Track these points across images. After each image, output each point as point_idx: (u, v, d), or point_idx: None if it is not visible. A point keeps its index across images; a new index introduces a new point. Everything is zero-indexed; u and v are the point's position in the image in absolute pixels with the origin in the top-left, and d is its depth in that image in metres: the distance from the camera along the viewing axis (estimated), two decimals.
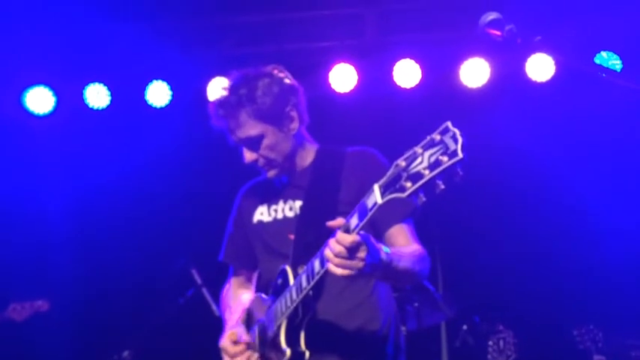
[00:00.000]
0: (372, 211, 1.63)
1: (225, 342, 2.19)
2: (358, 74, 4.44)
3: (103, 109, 4.61)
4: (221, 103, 2.21)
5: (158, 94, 4.61)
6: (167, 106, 4.63)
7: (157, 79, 4.61)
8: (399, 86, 4.43)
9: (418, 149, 1.53)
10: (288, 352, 2.01)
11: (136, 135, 4.68)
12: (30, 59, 4.49)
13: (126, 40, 4.38)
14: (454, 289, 4.05)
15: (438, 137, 1.49)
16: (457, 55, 4.42)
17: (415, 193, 1.52)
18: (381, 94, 4.47)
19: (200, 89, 4.61)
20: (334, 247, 1.69)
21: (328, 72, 4.48)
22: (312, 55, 4.62)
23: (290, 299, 2.01)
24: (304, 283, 1.93)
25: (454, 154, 1.44)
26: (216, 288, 4.08)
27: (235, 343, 2.17)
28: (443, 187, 1.48)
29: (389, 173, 1.59)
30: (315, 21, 4.50)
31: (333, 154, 2.30)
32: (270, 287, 2.20)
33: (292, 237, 2.20)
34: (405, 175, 1.54)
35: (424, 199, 1.53)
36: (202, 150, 4.75)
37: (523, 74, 4.37)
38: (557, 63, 4.25)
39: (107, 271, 4.68)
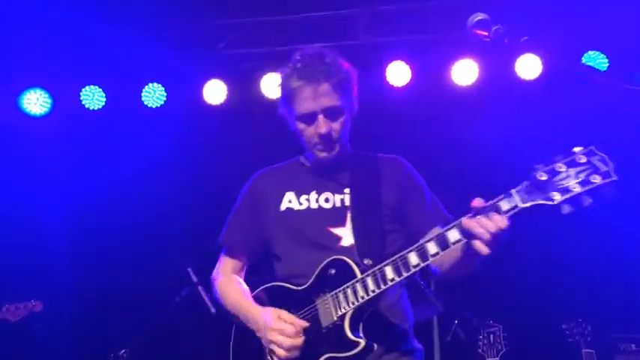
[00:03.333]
0: (514, 210, 1.77)
1: (278, 323, 2.06)
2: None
3: (99, 110, 4.67)
4: (307, 69, 2.16)
5: (153, 95, 4.67)
6: (162, 107, 4.68)
7: (152, 81, 4.67)
8: (392, 86, 4.50)
9: (560, 166, 1.72)
10: (363, 342, 1.96)
11: (131, 136, 4.73)
12: (26, 62, 4.53)
13: (121, 43, 4.43)
14: (445, 285, 4.11)
15: (583, 159, 1.71)
16: (447, 56, 4.50)
17: (563, 203, 1.70)
18: (373, 94, 4.53)
19: (195, 91, 4.67)
20: (488, 225, 1.76)
21: None
22: None
23: (364, 290, 1.97)
24: (391, 275, 1.93)
25: (607, 174, 1.68)
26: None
27: (292, 324, 2.05)
28: (591, 201, 1.68)
29: (526, 183, 1.76)
30: (307, 23, 4.55)
31: (367, 156, 2.33)
32: (309, 277, 2.10)
33: (331, 229, 2.16)
34: (550, 186, 1.72)
35: (570, 210, 1.70)
36: (197, 150, 4.82)
37: (512, 73, 4.44)
38: (544, 62, 4.34)
39: (103, 270, 4.71)
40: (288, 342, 2.03)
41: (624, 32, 4.32)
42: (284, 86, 2.24)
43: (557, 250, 4.51)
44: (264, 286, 2.26)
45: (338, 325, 2.02)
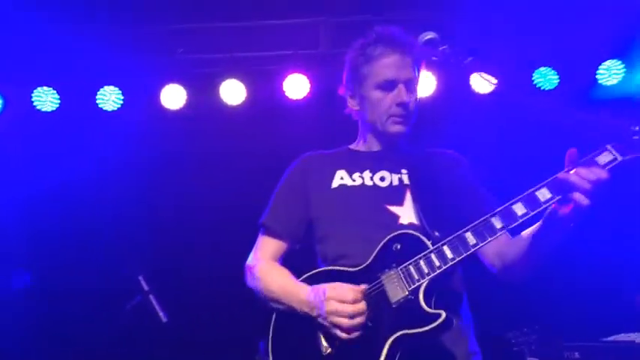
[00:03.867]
0: (614, 163, 1.75)
1: (336, 291, 1.88)
2: (311, 83, 4.53)
3: (52, 113, 4.56)
4: (393, 38, 2.13)
5: (109, 98, 4.59)
6: (118, 110, 4.60)
7: (108, 83, 4.58)
8: None
9: None
10: (444, 313, 1.80)
11: (86, 139, 4.63)
12: None
13: (77, 44, 4.33)
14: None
15: None
16: None
17: None
18: (332, 102, 4.56)
19: (153, 95, 4.61)
20: (589, 174, 1.72)
21: (282, 81, 4.55)
22: (265, 64, 4.68)
23: (441, 258, 1.84)
24: (474, 241, 1.82)
25: None
26: (164, 295, 4.10)
27: (352, 290, 1.87)
28: None
29: (621, 138, 1.76)
30: (269, 30, 4.56)
31: (422, 148, 2.26)
32: (367, 257, 1.95)
33: (389, 207, 2.05)
34: None
35: None
36: (154, 155, 4.75)
37: (467, 87, 4.54)
38: (498, 77, 4.46)
39: (52, 277, 4.59)
40: (350, 308, 1.85)
41: (574, 49, 4.48)
42: (360, 54, 2.16)
43: None
44: (312, 273, 2.07)
45: (410, 300, 1.85)
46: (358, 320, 1.85)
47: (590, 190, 1.72)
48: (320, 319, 1.91)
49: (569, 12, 4.27)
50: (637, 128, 1.74)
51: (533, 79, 4.55)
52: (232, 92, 4.59)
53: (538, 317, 4.26)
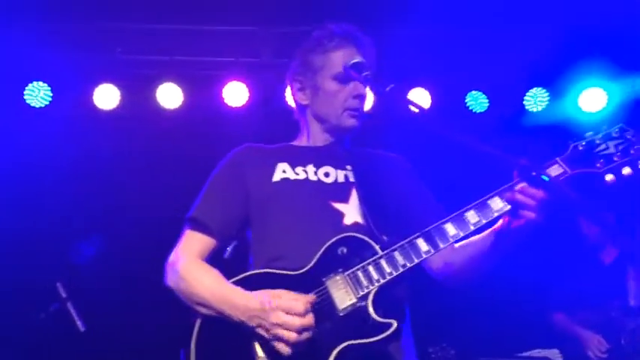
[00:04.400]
0: (562, 177, 1.78)
1: (281, 301, 1.73)
2: (250, 92, 4.52)
3: None
4: (350, 32, 2.07)
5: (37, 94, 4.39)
6: (47, 107, 4.41)
7: (37, 79, 4.39)
8: (290, 105, 4.56)
9: (596, 139, 1.79)
10: (395, 323, 1.73)
11: (11, 135, 4.40)
12: None
13: (6, 38, 4.13)
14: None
15: (617, 134, 1.79)
16: None
17: (607, 172, 1.75)
18: (271, 111, 4.56)
19: (85, 94, 4.45)
20: (536, 192, 1.71)
21: (221, 87, 4.52)
22: (205, 69, 4.63)
23: (392, 265, 1.77)
24: (426, 247, 1.77)
25: None
26: (82, 303, 3.93)
27: (298, 300, 1.73)
28: (631, 172, 1.75)
29: (568, 152, 1.80)
30: (211, 35, 4.52)
31: (367, 149, 2.18)
32: (309, 259, 1.82)
33: (334, 204, 1.94)
34: (592, 157, 1.78)
35: (612, 179, 1.76)
36: (81, 155, 4.57)
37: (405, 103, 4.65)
38: (432, 96, 4.62)
39: None
40: (298, 321, 1.70)
41: (504, 75, 4.71)
42: (316, 45, 2.08)
43: (420, 273, 4.72)
44: (244, 275, 1.88)
45: (359, 308, 1.75)
46: (306, 335, 1.72)
47: (536, 206, 1.73)
48: (260, 330, 1.75)
49: (500, 38, 4.50)
50: (581, 143, 1.81)
51: (466, 101, 4.74)
52: (169, 96, 4.51)
53: (457, 333, 4.39)
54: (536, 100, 4.76)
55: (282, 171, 2.03)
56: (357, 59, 1.99)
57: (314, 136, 2.14)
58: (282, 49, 4.49)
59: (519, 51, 4.53)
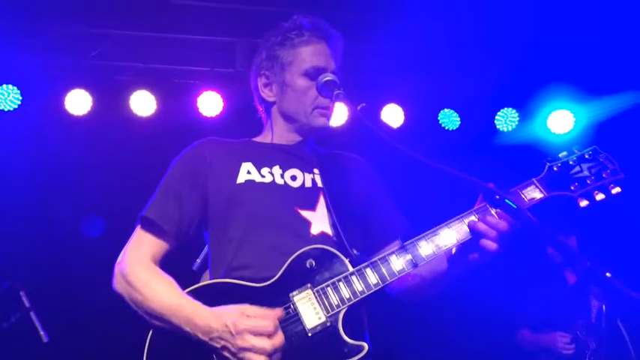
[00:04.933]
0: (537, 201, 1.77)
1: (248, 321, 1.59)
2: (225, 102, 4.51)
3: None
4: (321, 27, 1.98)
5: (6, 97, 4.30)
6: (16, 110, 4.32)
7: (6, 82, 4.30)
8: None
9: (570, 161, 1.80)
10: (366, 346, 1.64)
11: None
12: None
13: None
14: None
15: (588, 155, 1.80)
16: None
17: (581, 196, 1.76)
18: (246, 121, 4.55)
19: (56, 99, 4.38)
20: (500, 224, 1.68)
21: (196, 97, 4.49)
22: (180, 78, 4.61)
23: (363, 283, 1.68)
24: (400, 266, 1.69)
25: (615, 172, 1.78)
26: (46, 312, 3.82)
27: (266, 318, 1.60)
28: (603, 197, 1.76)
29: (544, 173, 1.80)
30: (186, 44, 4.50)
31: (329, 150, 2.09)
32: (273, 270, 1.70)
33: (300, 211, 1.83)
34: (567, 179, 1.78)
35: (586, 204, 1.76)
36: (50, 161, 4.47)
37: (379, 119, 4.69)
38: (406, 113, 4.68)
39: None
40: (268, 344, 1.57)
41: (477, 94, 4.80)
42: (283, 39, 1.95)
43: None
44: (202, 284, 1.74)
45: (329, 328, 1.64)
46: (277, 357, 1.60)
47: (497, 237, 1.68)
48: (225, 352, 1.60)
49: (473, 59, 4.59)
50: (555, 162, 1.82)
51: (438, 118, 4.82)
52: (143, 103, 4.46)
53: (420, 353, 4.38)
54: (506, 119, 4.87)
55: (247, 172, 1.87)
56: (329, 77, 1.88)
57: (279, 134, 2.00)
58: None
59: (491, 72, 4.63)
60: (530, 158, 4.75)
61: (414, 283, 1.88)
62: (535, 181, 1.80)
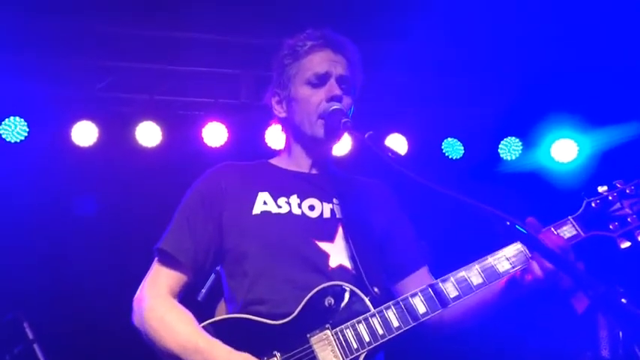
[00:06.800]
0: (576, 240, 1.68)
1: None
2: (229, 132, 4.54)
3: None
4: (326, 35, 1.92)
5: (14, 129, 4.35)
6: (23, 142, 4.35)
7: (13, 114, 4.35)
8: (270, 147, 4.59)
9: (610, 196, 1.68)
10: None
11: None
12: None
13: None
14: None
15: (630, 190, 1.67)
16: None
17: (621, 236, 1.64)
18: (250, 152, 4.57)
19: (63, 130, 4.42)
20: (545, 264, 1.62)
21: (201, 127, 4.53)
22: (185, 109, 4.65)
23: (385, 326, 1.63)
24: (423, 308, 1.64)
25: None
26: (49, 344, 3.77)
27: None
28: None
29: (581, 211, 1.69)
30: (191, 76, 4.56)
31: (349, 174, 2.03)
32: (291, 307, 1.67)
33: (318, 243, 1.78)
34: (606, 217, 1.66)
35: (627, 245, 1.64)
36: (56, 193, 4.49)
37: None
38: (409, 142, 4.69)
39: None
40: None
41: (480, 122, 4.82)
42: (289, 53, 1.92)
43: None
44: (217, 319, 1.72)
45: None
46: None
47: (544, 274, 1.66)
48: None
49: (477, 88, 4.63)
50: (595, 200, 1.70)
51: (442, 147, 4.83)
52: (148, 134, 4.50)
53: None
54: (510, 148, 4.87)
55: (263, 202, 1.83)
56: (336, 106, 1.82)
57: (296, 153, 1.96)
58: (262, 90, 4.53)
59: (495, 101, 4.66)
60: (535, 186, 4.75)
61: (455, 316, 1.83)
62: (571, 220, 1.71)
